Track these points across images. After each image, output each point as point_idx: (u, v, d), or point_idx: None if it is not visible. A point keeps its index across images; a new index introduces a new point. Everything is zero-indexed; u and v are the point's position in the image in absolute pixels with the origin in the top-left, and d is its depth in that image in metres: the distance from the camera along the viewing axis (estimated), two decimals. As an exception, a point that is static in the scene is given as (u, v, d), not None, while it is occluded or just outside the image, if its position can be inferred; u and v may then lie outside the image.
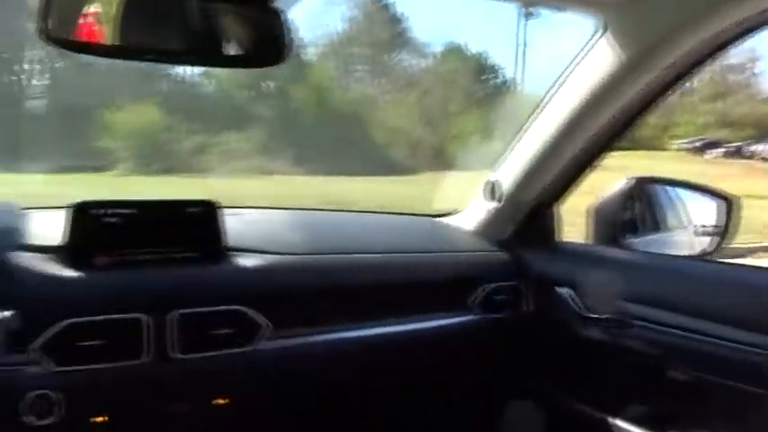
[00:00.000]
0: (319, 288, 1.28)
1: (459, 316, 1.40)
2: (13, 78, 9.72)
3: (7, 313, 0.92)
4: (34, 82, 9.64)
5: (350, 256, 1.35)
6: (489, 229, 1.54)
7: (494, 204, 1.51)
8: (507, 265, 1.49)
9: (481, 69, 13.19)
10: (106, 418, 1.06)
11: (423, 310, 1.37)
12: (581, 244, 1.52)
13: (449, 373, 1.41)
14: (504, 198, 1.48)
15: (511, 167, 1.47)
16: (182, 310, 1.10)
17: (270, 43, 0.92)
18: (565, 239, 1.54)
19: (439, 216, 1.66)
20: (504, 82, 13.57)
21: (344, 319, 1.28)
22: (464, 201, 1.63)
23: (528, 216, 1.51)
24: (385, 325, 1.32)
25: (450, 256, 1.47)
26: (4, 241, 1.06)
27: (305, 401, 1.25)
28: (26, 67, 9.57)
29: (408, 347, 1.35)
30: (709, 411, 1.17)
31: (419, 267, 1.41)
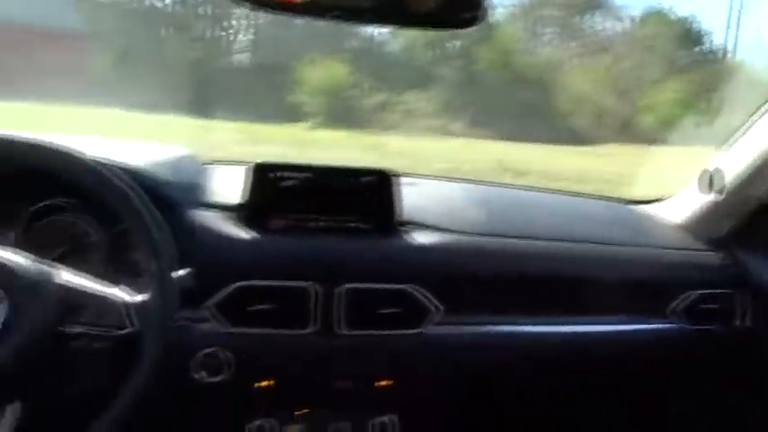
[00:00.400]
0: (497, 274, 1.16)
1: (654, 323, 1.21)
2: (222, 34, 10.48)
3: (184, 271, 0.91)
4: (240, 37, 10.33)
5: (534, 241, 1.21)
6: (702, 224, 1.31)
7: (711, 197, 1.27)
8: (722, 269, 1.26)
9: (686, 35, 11.93)
10: (271, 383, 1.05)
11: (611, 312, 1.20)
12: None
13: (631, 386, 1.23)
14: (725, 191, 1.25)
15: (737, 156, 1.23)
16: (350, 285, 1.05)
17: (465, 5, 0.81)
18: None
19: (638, 203, 1.45)
20: (713, 51, 12.17)
21: (521, 311, 1.16)
22: (662, 183, 1.41)
23: (753, 213, 1.26)
24: (565, 323, 1.18)
25: (651, 251, 1.27)
26: (186, 196, 1.07)
27: (469, 393, 1.16)
28: (234, 23, 10.27)
29: (589, 351, 1.19)
30: None
31: (612, 262, 1.23)
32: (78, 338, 0.80)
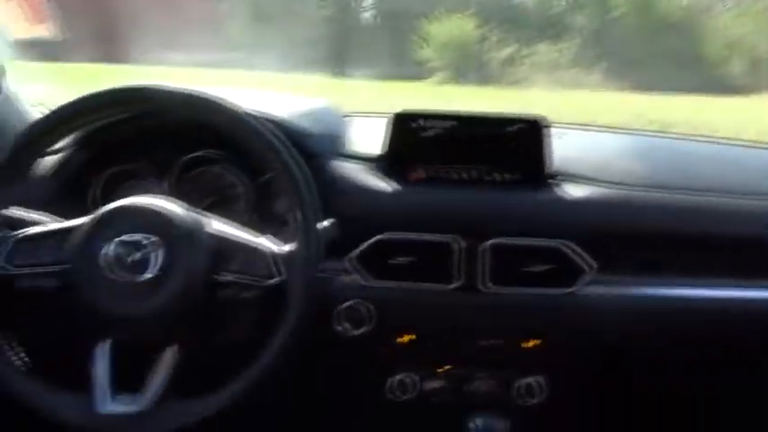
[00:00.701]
0: (657, 230, 1.05)
1: None
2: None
3: (328, 222, 0.89)
4: (368, -5, 10.32)
5: (698, 195, 1.08)
6: None
7: None
8: None
9: None
10: (413, 338, 1.02)
11: None
12: None
13: None
14: None
15: None
16: (497, 239, 0.99)
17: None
18: None
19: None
20: None
21: (682, 273, 1.04)
22: None
23: None
24: (735, 287, 1.05)
25: None
26: (327, 147, 1.06)
27: (622, 357, 1.07)
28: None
29: (760, 321, 1.05)
30: None
31: None
32: (228, 287, 0.80)
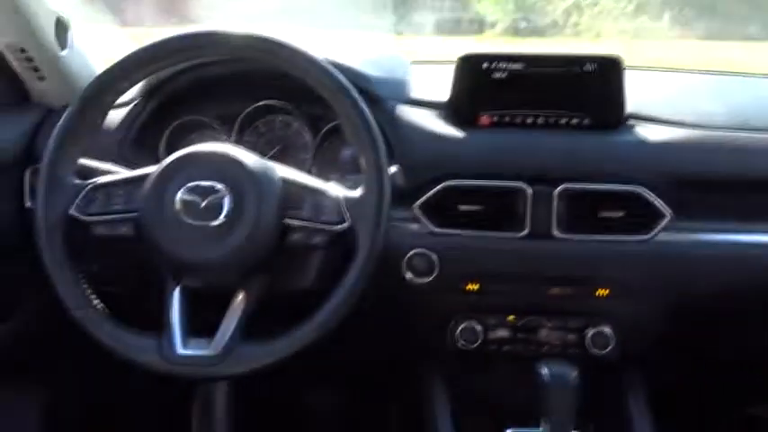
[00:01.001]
0: (739, 174, 1.00)
1: None
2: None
3: (395, 168, 0.88)
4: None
5: None
6: None
7: None
8: None
9: None
10: (479, 286, 1.00)
11: None
12: None
13: None
14: None
15: None
16: (569, 185, 0.95)
17: None
18: None
19: None
20: None
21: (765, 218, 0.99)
22: None
23: None
24: None
25: None
26: (394, 93, 1.03)
27: (699, 308, 1.03)
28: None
29: None
30: None
31: None
32: (298, 232, 0.80)
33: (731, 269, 1.00)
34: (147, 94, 1.06)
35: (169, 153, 1.04)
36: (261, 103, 1.08)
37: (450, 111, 1.02)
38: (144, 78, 0.87)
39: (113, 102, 0.86)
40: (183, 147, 0.85)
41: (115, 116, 1.05)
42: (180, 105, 1.10)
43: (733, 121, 1.03)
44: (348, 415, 1.54)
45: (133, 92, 1.04)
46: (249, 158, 0.81)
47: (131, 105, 1.05)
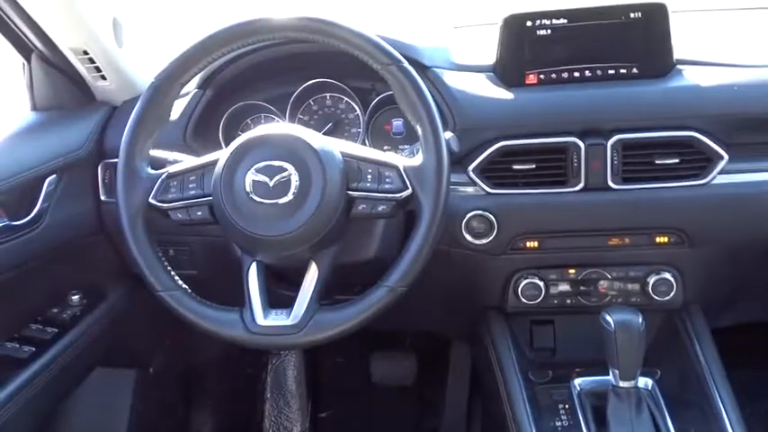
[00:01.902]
0: None
1: None
2: None
3: (449, 134, 0.90)
4: None
5: None
6: None
7: None
8: None
9: None
10: (536, 244, 1.02)
11: None
12: None
13: None
14: None
15: None
16: (623, 135, 0.96)
17: None
18: None
19: None
20: None
21: None
22: None
23: None
24: None
25: None
26: (441, 60, 1.05)
27: (759, 246, 1.03)
28: None
29: None
30: None
31: None
32: (363, 202, 0.83)
33: None
34: (202, 84, 1.11)
35: (227, 138, 1.09)
36: (310, 83, 1.11)
37: (498, 72, 1.04)
38: (205, 68, 0.90)
39: (178, 93, 0.90)
40: (240, 131, 0.88)
41: (176, 108, 1.10)
42: (233, 92, 1.14)
43: None
44: (415, 382, 1.59)
45: (190, 83, 1.08)
46: (311, 136, 0.84)
47: (189, 96, 1.10)
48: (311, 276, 0.85)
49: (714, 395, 0.95)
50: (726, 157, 0.96)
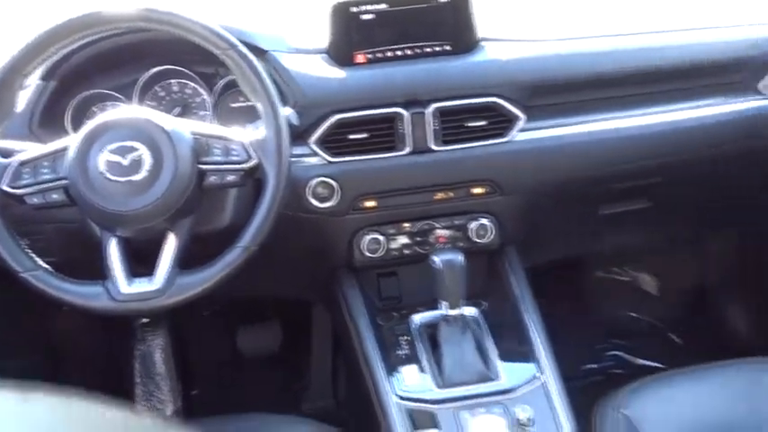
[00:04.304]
0: (578, 76, 1.19)
1: (747, 100, 1.22)
2: None
3: (288, 110, 1.01)
4: None
5: (615, 37, 1.22)
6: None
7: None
8: None
9: None
10: (374, 203, 1.16)
11: (704, 95, 1.22)
12: None
13: (727, 162, 1.27)
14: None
15: None
16: (439, 104, 1.11)
17: None
18: None
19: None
20: None
21: (604, 109, 1.20)
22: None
23: None
24: (655, 113, 1.21)
25: (737, 30, 1.25)
26: (277, 46, 1.15)
27: (559, 190, 1.23)
28: None
29: (681, 136, 1.22)
30: None
31: (700, 45, 1.22)
32: (213, 174, 0.93)
33: (578, 159, 1.20)
34: (46, 75, 1.13)
35: (75, 127, 1.13)
36: (156, 70, 1.17)
37: (330, 54, 1.16)
38: (48, 59, 0.94)
39: (21, 85, 0.94)
40: (87, 119, 0.93)
41: (20, 100, 1.11)
42: (79, 81, 1.17)
43: (568, 31, 1.22)
44: (281, 348, 1.69)
45: (34, 74, 1.10)
46: (160, 118, 0.92)
47: (34, 87, 1.12)
48: (170, 245, 0.93)
49: (526, 320, 1.14)
50: (523, 117, 1.14)
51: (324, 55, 1.16)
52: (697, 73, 1.21)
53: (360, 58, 1.15)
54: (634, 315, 1.75)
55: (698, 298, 1.73)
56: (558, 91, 1.18)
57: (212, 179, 0.93)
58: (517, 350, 1.09)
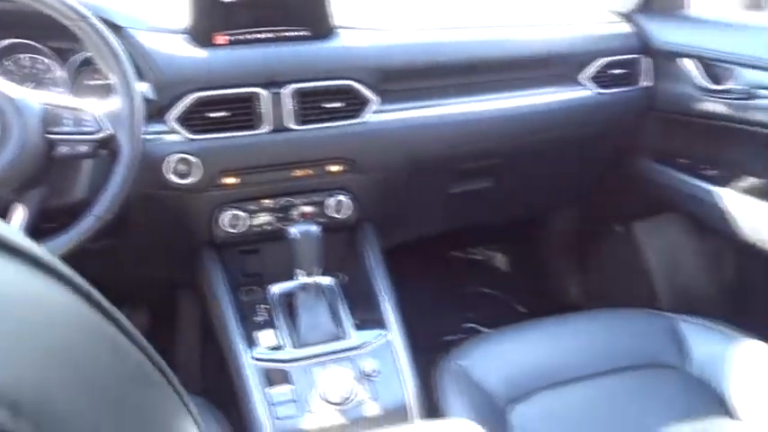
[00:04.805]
0: (425, 63, 1.29)
1: (572, 89, 1.38)
2: None
3: (144, 85, 1.03)
4: None
5: (458, 30, 1.34)
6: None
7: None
8: (628, 37, 1.41)
9: None
10: (236, 180, 1.20)
11: (535, 85, 1.36)
12: (715, 11, 1.39)
13: (559, 146, 1.42)
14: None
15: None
16: (296, 85, 1.17)
17: None
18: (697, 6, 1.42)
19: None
20: None
21: (450, 95, 1.31)
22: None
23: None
24: (494, 99, 1.33)
25: (566, 27, 1.41)
26: (134, 24, 1.16)
27: (411, 168, 1.33)
28: None
29: (516, 121, 1.36)
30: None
31: (533, 40, 1.37)
32: (64, 144, 0.93)
33: (427, 140, 1.31)
34: None
35: None
36: (4, 43, 1.15)
37: (191, 34, 1.18)
38: None
39: None
40: None
41: None
42: None
43: (420, 23, 1.33)
44: (149, 332, 1.68)
45: None
46: (6, 87, 0.91)
47: None
48: (17, 217, 0.93)
49: (378, 290, 1.22)
50: (377, 100, 1.22)
51: (184, 35, 1.19)
52: (528, 65, 1.35)
53: (219, 39, 1.18)
54: (486, 290, 1.91)
55: (541, 271, 1.91)
56: (407, 77, 1.27)
57: (63, 150, 0.93)
58: (368, 316, 1.17)
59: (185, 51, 1.16)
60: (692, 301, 1.48)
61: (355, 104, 1.22)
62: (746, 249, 1.26)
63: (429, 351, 1.16)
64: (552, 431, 0.96)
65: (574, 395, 1.03)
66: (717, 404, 1.02)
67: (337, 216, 1.26)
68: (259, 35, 1.20)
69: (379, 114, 1.24)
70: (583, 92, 1.38)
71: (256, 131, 1.17)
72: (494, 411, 0.99)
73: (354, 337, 1.09)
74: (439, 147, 1.32)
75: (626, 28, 1.42)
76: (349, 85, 1.20)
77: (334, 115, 1.21)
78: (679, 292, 1.56)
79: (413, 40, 1.30)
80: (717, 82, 1.28)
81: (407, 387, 1.03)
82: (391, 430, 0.76)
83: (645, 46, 1.40)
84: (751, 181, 1.27)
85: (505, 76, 1.34)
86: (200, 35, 1.18)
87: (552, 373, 1.06)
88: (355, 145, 1.24)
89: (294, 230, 1.10)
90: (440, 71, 1.30)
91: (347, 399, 0.98)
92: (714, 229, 1.35)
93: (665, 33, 1.39)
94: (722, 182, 1.32)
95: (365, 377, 1.00)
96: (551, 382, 1.05)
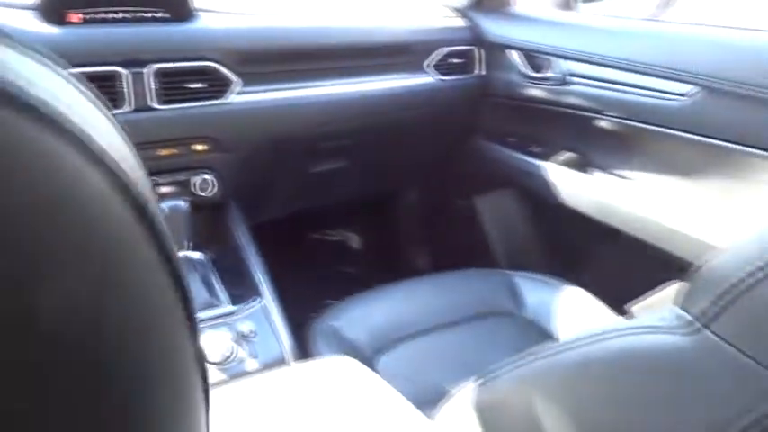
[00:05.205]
0: (285, 47, 1.36)
1: (417, 76, 1.52)
2: None
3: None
4: None
5: (313, 17, 1.43)
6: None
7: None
8: (464, 30, 1.58)
9: None
10: None
11: (385, 71, 1.48)
12: (536, 9, 1.60)
13: (406, 127, 1.56)
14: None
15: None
16: (157, 65, 1.19)
17: None
18: (522, 5, 1.63)
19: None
20: None
21: (308, 78, 1.39)
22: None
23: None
24: (347, 83, 1.44)
25: (411, 19, 1.55)
26: None
27: (272, 147, 1.39)
28: None
29: (367, 104, 1.47)
30: (633, 152, 1.35)
31: (382, 30, 1.49)
32: None
33: (287, 120, 1.38)
34: None
35: None
36: None
37: (41, 11, 1.16)
38: None
39: None
40: None
41: None
42: None
43: (277, 10, 1.39)
44: None
45: None
46: None
47: None
48: None
49: (249, 263, 1.28)
50: (238, 81, 1.27)
51: (34, 12, 1.16)
52: (378, 52, 1.47)
53: (73, 17, 1.17)
54: (343, 269, 2.02)
55: (393, 245, 2.06)
56: (266, 60, 1.33)
57: None
58: (241, 286, 1.22)
59: (34, 28, 1.13)
60: (524, 260, 1.69)
61: (218, 85, 1.26)
62: (566, 213, 1.47)
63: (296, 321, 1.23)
64: (413, 373, 1.08)
65: (430, 342, 1.17)
66: (547, 340, 1.20)
67: (203, 194, 1.29)
68: (115, 15, 1.20)
69: (241, 96, 1.29)
70: (426, 78, 1.53)
71: (119, 111, 1.17)
72: (362, 361, 1.09)
73: (229, 304, 1.14)
74: (298, 128, 1.40)
75: (462, 22, 1.59)
76: (211, 67, 1.24)
77: (197, 95, 1.24)
78: (514, 253, 1.77)
79: (270, 25, 1.36)
80: (538, 71, 1.48)
81: (284, 344, 1.10)
82: (271, 373, 0.82)
83: (478, 39, 1.58)
84: (568, 155, 1.49)
85: (358, 62, 1.45)
86: (51, 12, 1.15)
87: (411, 326, 1.19)
88: (219, 125, 1.28)
89: (163, 206, 1.12)
90: (297, 55, 1.37)
91: (228, 357, 1.03)
92: (540, 198, 1.56)
93: (495, 28, 1.57)
94: (545, 157, 1.52)
95: (243, 338, 1.06)
96: (410, 333, 1.17)
